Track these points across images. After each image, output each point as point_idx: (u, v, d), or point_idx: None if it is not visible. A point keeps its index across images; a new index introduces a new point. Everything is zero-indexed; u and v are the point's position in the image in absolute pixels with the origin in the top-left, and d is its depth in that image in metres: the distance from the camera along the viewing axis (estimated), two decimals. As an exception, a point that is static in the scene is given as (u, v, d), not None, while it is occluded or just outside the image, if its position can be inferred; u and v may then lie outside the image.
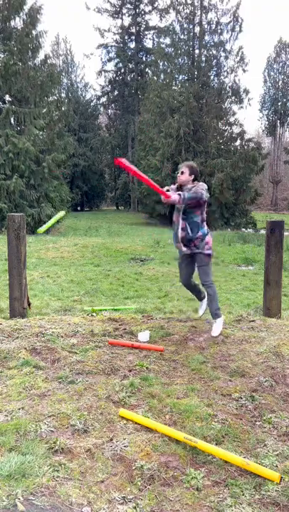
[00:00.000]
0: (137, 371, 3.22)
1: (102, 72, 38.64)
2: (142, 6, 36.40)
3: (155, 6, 35.27)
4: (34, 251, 11.29)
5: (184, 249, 4.00)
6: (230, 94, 25.03)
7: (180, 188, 3.97)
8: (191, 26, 25.36)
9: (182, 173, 3.95)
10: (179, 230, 3.96)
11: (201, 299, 4.49)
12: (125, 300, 6.49)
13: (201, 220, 3.98)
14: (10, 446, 2.26)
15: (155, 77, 26.97)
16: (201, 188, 3.86)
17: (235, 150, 24.74)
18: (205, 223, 4.03)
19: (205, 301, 4.43)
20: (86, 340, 3.79)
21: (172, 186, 4.05)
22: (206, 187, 3.94)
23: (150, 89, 25.99)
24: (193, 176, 3.96)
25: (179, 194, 3.80)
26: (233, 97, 25.11)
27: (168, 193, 3.80)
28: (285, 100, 44.45)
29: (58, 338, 3.76)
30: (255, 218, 25.80)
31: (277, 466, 2.22)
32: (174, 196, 3.77)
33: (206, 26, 25.02)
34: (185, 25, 25.35)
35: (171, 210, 4.19)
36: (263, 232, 19.26)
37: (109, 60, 38.36)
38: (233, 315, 4.89)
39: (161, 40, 27.21)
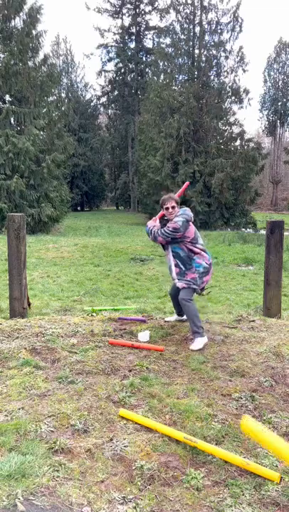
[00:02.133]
0: (137, 371, 3.22)
1: (102, 72, 38.70)
2: (142, 6, 36.44)
3: (155, 6, 35.31)
4: (34, 251, 11.28)
5: (179, 284, 3.95)
6: (230, 94, 25.01)
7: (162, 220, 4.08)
8: (191, 26, 25.35)
9: (173, 207, 3.92)
10: (172, 266, 3.95)
11: (178, 315, 4.45)
12: (125, 300, 6.49)
13: (191, 252, 3.89)
14: (10, 446, 2.26)
15: (155, 77, 26.96)
16: (175, 221, 3.82)
17: (235, 150, 24.73)
18: (200, 254, 3.91)
19: (176, 316, 4.47)
20: (86, 340, 3.79)
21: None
22: (186, 217, 3.86)
23: (150, 89, 25.99)
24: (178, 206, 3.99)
25: (152, 231, 3.92)
26: (233, 97, 25.09)
27: (150, 221, 4.01)
28: (285, 100, 44.45)
29: (58, 338, 3.76)
30: (255, 218, 25.80)
31: (277, 466, 2.23)
32: (152, 229, 3.94)
33: (206, 26, 25.01)
34: (185, 25, 25.34)
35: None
36: (263, 232, 19.27)
37: (109, 60, 38.43)
38: (233, 315, 4.89)
39: (161, 40, 27.19)
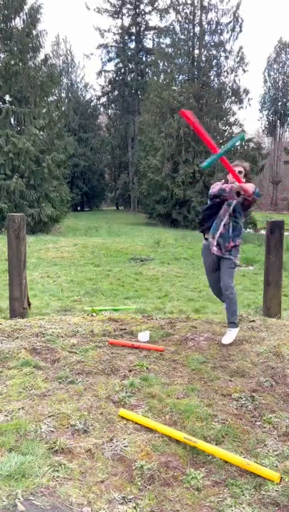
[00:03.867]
0: (137, 371, 3.22)
1: (102, 73, 38.64)
2: (142, 6, 36.39)
3: (155, 6, 35.23)
4: (34, 251, 11.28)
5: (215, 249, 3.81)
6: (230, 94, 25.00)
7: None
8: (191, 26, 25.34)
9: (240, 172, 3.80)
10: (221, 224, 3.78)
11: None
12: (125, 300, 6.49)
13: (242, 227, 3.86)
14: (10, 446, 2.26)
15: (155, 77, 26.94)
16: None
17: (236, 150, 24.72)
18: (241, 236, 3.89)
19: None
20: (86, 340, 3.79)
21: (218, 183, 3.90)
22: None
23: (150, 89, 25.97)
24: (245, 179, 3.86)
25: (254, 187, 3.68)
26: (233, 97, 25.08)
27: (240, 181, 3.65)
28: (285, 100, 44.41)
29: (58, 338, 3.76)
30: (255, 218, 25.74)
31: (277, 466, 2.23)
32: (248, 185, 3.64)
33: (206, 26, 24.99)
34: (185, 26, 25.32)
35: (219, 204, 3.87)
36: (263, 232, 19.25)
37: (109, 60, 38.37)
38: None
39: (161, 40, 27.19)
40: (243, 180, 3.77)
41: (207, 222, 3.99)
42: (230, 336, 3.82)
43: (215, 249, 3.84)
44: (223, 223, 3.81)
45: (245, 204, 3.83)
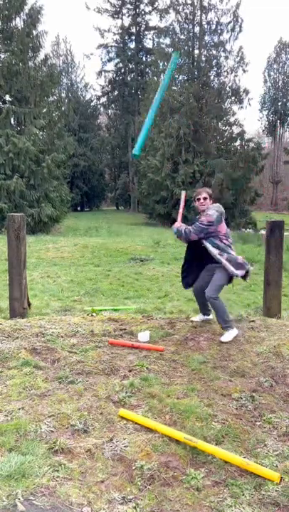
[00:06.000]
0: (137, 371, 3.22)
1: (102, 73, 38.64)
2: (142, 6, 36.40)
3: (155, 6, 35.23)
4: (34, 251, 11.28)
5: (213, 265, 3.94)
6: (230, 94, 25.02)
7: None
8: (190, 26, 25.35)
9: (205, 198, 3.90)
10: (211, 248, 3.87)
11: (204, 314, 4.41)
12: (125, 300, 6.49)
13: (224, 243, 3.88)
14: (10, 446, 2.26)
15: (155, 77, 26.95)
16: (209, 214, 3.79)
17: (235, 150, 24.73)
18: (230, 249, 3.93)
19: (201, 316, 4.43)
20: (86, 340, 3.79)
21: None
22: (220, 211, 3.86)
23: (150, 89, 25.97)
24: (211, 201, 3.96)
25: (184, 231, 3.83)
26: (233, 97, 25.10)
27: (175, 224, 3.86)
28: (285, 100, 44.42)
29: (58, 338, 3.76)
30: (255, 218, 25.78)
31: (277, 466, 2.22)
32: (179, 229, 3.84)
33: (205, 26, 25.01)
34: (185, 26, 25.34)
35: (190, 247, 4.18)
36: (262, 232, 19.25)
37: (109, 60, 38.38)
38: (233, 315, 4.89)
39: (161, 40, 27.20)
40: (209, 203, 3.94)
41: (189, 275, 4.19)
42: (228, 335, 3.87)
43: (213, 265, 3.95)
44: (210, 248, 3.89)
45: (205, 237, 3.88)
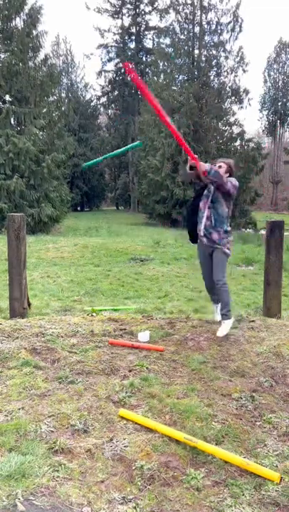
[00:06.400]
0: (137, 371, 3.22)
1: (102, 73, 38.64)
2: (142, 6, 36.38)
3: (155, 6, 35.23)
4: (34, 251, 11.28)
5: (204, 240, 3.96)
6: (230, 94, 25.02)
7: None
8: (190, 26, 25.35)
9: (220, 167, 3.88)
10: (204, 217, 3.90)
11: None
12: (125, 300, 6.49)
13: (227, 215, 3.92)
14: (10, 446, 2.26)
15: (155, 78, 26.95)
16: (230, 180, 3.79)
17: (235, 150, 24.73)
18: (228, 222, 3.96)
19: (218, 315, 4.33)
20: (86, 340, 3.79)
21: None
22: (237, 184, 3.89)
23: (150, 89, 25.93)
24: (228, 174, 3.92)
25: (219, 174, 3.69)
26: (233, 97, 25.09)
27: (197, 161, 3.67)
28: (285, 100, 44.40)
29: (58, 338, 3.76)
30: (255, 218, 25.77)
31: (277, 466, 2.23)
32: (203, 164, 3.66)
33: (205, 26, 25.00)
34: (185, 26, 25.33)
35: (199, 195, 4.06)
36: (262, 232, 19.24)
37: (109, 60, 38.36)
38: (233, 315, 4.89)
39: (161, 40, 27.19)
40: (225, 174, 3.86)
41: (192, 217, 4.13)
42: (224, 327, 3.89)
43: (204, 240, 3.98)
44: (205, 216, 3.92)
45: (222, 191, 3.83)
